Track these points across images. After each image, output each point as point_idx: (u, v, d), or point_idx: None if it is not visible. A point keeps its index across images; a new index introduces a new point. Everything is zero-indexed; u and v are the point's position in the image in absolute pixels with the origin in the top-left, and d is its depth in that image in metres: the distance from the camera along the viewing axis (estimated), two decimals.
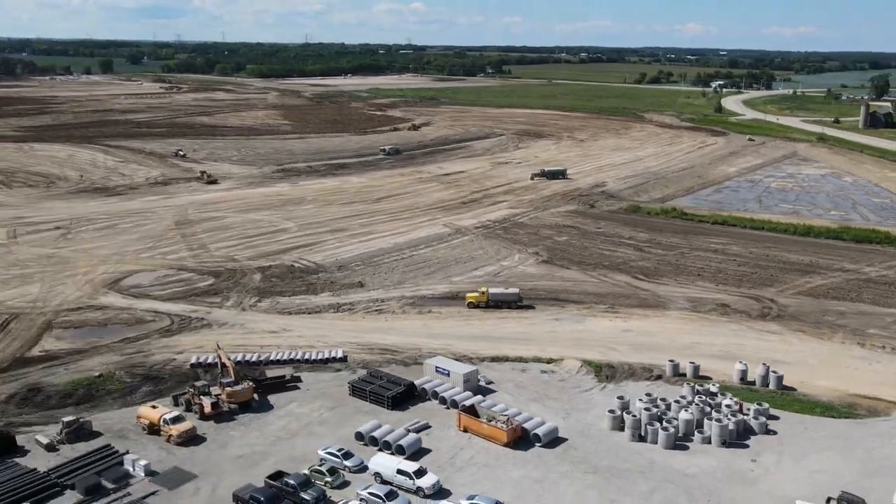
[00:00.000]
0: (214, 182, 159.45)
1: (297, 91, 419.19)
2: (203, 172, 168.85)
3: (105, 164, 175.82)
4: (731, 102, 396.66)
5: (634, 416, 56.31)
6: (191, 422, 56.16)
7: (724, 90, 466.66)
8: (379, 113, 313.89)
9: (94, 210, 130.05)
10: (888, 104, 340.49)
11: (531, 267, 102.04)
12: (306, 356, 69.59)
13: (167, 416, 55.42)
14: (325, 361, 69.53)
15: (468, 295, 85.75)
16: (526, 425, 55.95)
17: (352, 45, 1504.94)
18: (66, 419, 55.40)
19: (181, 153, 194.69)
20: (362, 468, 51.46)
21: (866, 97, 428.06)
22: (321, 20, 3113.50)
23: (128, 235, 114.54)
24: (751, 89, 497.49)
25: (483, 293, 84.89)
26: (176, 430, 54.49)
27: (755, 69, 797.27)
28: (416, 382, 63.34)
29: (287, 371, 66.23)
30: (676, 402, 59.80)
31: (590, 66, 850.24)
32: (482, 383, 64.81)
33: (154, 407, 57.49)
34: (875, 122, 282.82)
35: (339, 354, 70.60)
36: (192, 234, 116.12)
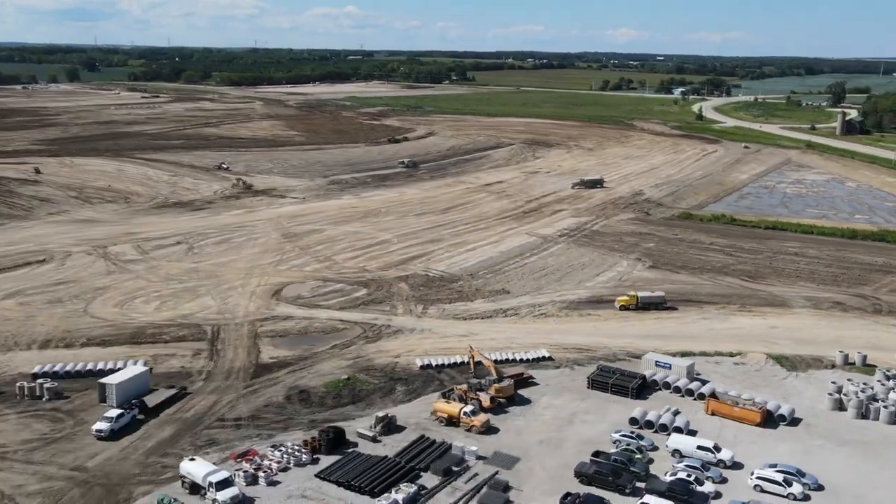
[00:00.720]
0: (250, 188, 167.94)
1: (279, 100, 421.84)
2: (239, 180, 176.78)
3: (160, 179, 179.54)
4: (705, 109, 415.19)
5: (854, 397, 66.61)
6: (485, 415, 64.45)
7: (689, 97, 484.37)
8: (376, 122, 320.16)
9: (195, 225, 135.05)
10: (854, 111, 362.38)
11: (643, 272, 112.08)
12: (517, 356, 78.11)
13: (466, 410, 63.62)
14: (536, 361, 78.14)
15: (619, 298, 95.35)
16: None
17: (299, 49, 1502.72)
18: (378, 415, 63.08)
19: (224, 166, 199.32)
20: (653, 447, 60.60)
21: (825, 104, 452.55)
22: (253, 23, 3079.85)
23: (249, 249, 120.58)
24: (712, 96, 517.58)
25: (633, 297, 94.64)
26: (478, 421, 62.76)
27: (701, 75, 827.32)
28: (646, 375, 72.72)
29: (519, 369, 74.65)
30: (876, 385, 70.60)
31: (543, 73, 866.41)
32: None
33: (447, 402, 65.51)
34: (850, 129, 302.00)
35: (545, 354, 79.39)
36: (307, 246, 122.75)
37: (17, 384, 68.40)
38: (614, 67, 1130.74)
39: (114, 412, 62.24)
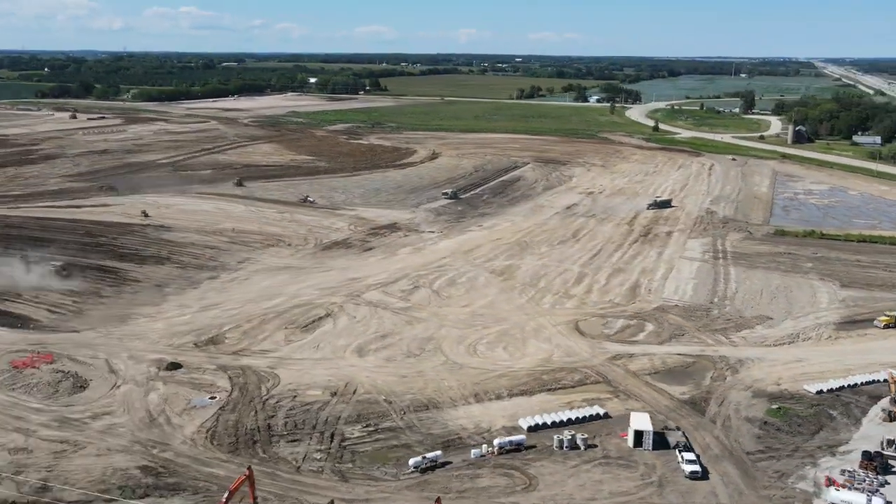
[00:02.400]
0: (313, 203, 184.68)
1: (228, 118, 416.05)
2: (306, 198, 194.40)
3: (271, 217, 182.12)
4: (639, 118, 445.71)
5: None
6: None
7: (617, 105, 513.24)
8: (364, 143, 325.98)
9: (396, 267, 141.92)
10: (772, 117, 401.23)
11: (849, 292, 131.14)
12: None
13: None
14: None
15: (881, 318, 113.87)
16: None
17: (163, 55, 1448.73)
18: (887, 437, 77.95)
19: (311, 200, 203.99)
20: None
21: (737, 110, 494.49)
22: (79, 24, 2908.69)
23: (486, 289, 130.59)
24: (625, 103, 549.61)
25: (892, 316, 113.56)
26: None
27: (566, 78, 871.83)
28: None
29: None
30: None
31: (435, 79, 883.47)
32: None
33: None
34: (799, 138, 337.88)
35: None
36: (529, 283, 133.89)
37: (556, 437, 77.79)
38: (492, 72, 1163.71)
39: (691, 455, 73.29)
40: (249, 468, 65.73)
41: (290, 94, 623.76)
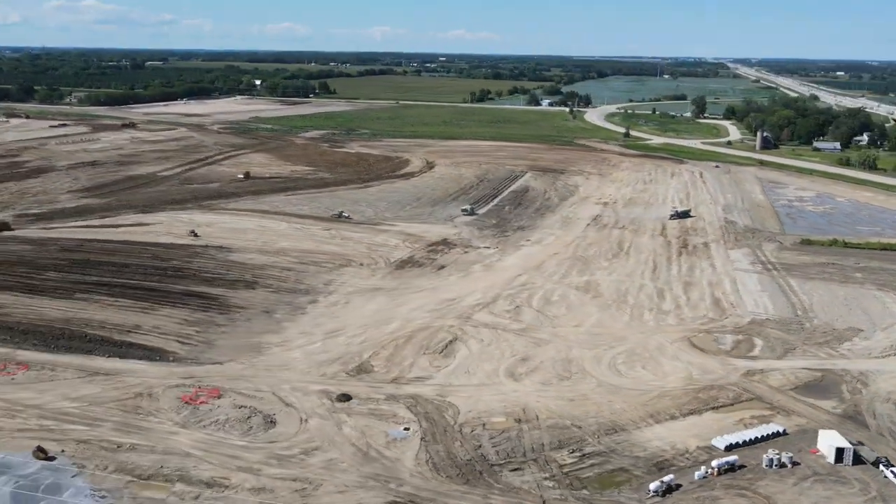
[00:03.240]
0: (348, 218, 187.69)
1: (195, 125, 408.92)
2: (340, 213, 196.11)
3: (318, 234, 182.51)
4: (600, 121, 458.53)
5: None
6: None
7: (576, 109, 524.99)
8: (351, 152, 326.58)
9: (481, 286, 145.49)
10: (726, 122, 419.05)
11: None
12: None
13: None
14: None
15: None
16: None
17: (72, 51, 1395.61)
18: None
19: (346, 215, 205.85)
20: None
21: (688, 114, 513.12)
22: None
23: (588, 307, 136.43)
24: (577, 107, 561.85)
25: None
26: None
27: (509, 80, 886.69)
28: None
29: None
30: None
31: (375, 80, 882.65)
32: None
33: None
34: (766, 144, 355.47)
35: None
36: (619, 300, 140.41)
37: (765, 456, 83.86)
38: (427, 73, 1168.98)
39: None
40: (545, 501, 69.36)
41: (238, 97, 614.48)
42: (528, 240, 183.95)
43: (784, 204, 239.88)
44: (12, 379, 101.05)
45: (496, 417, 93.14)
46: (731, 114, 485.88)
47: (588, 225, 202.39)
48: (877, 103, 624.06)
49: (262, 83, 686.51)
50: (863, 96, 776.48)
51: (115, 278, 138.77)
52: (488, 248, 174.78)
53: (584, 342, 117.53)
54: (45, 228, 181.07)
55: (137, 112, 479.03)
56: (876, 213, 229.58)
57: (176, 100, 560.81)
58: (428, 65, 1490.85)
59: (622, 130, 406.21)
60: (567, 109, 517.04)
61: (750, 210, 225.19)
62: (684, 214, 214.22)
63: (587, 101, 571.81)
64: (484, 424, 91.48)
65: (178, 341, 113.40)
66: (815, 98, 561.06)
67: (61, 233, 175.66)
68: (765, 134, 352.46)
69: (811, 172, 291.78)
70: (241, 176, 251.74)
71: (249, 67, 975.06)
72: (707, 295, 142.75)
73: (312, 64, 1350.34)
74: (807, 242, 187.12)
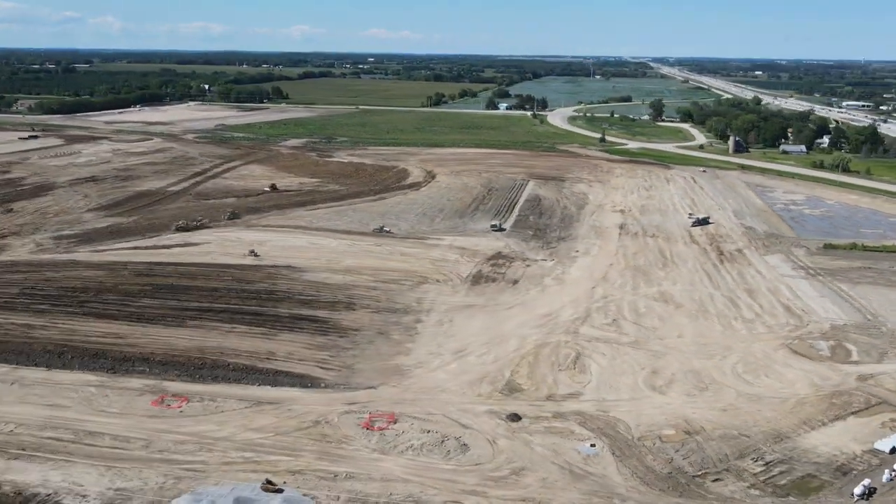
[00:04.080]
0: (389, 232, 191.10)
1: (167, 134, 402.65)
2: (381, 227, 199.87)
3: (371, 250, 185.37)
4: (565, 125, 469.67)
5: None
6: None
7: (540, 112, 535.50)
8: (345, 162, 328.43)
9: (560, 300, 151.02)
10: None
11: None
12: None
13: None
14: None
15: None
16: None
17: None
18: None
19: (386, 229, 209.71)
20: None
21: (646, 117, 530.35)
22: None
23: (679, 318, 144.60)
24: (532, 110, 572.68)
25: None
26: None
27: (449, 81, 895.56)
28: None
29: None
30: None
31: (318, 83, 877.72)
32: None
33: None
34: (739, 148, 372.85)
35: None
36: (706, 309, 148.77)
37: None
38: (365, 75, 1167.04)
39: None
40: None
41: (191, 103, 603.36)
42: (577, 251, 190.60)
43: (781, 208, 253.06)
44: (181, 412, 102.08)
45: (666, 430, 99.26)
46: (687, 117, 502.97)
47: (619, 234, 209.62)
48: (808, 103, 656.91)
49: (209, 88, 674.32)
50: (791, 96, 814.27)
51: (214, 303, 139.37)
52: (545, 259, 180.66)
53: (697, 353, 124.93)
54: (95, 251, 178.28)
55: (96, 121, 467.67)
56: (869, 215, 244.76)
57: (128, 107, 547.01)
58: (360, 66, 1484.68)
59: (592, 135, 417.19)
60: (528, 113, 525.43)
61: (758, 215, 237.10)
62: (704, 221, 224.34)
63: (544, 105, 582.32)
64: (660, 437, 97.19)
65: (319, 367, 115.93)
66: (759, 100, 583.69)
67: (117, 255, 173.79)
68: (737, 138, 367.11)
69: (793, 176, 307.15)
70: (268, 188, 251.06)
71: (187, 70, 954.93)
72: (775, 302, 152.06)
73: (244, 66, 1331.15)
74: (829, 247, 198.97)
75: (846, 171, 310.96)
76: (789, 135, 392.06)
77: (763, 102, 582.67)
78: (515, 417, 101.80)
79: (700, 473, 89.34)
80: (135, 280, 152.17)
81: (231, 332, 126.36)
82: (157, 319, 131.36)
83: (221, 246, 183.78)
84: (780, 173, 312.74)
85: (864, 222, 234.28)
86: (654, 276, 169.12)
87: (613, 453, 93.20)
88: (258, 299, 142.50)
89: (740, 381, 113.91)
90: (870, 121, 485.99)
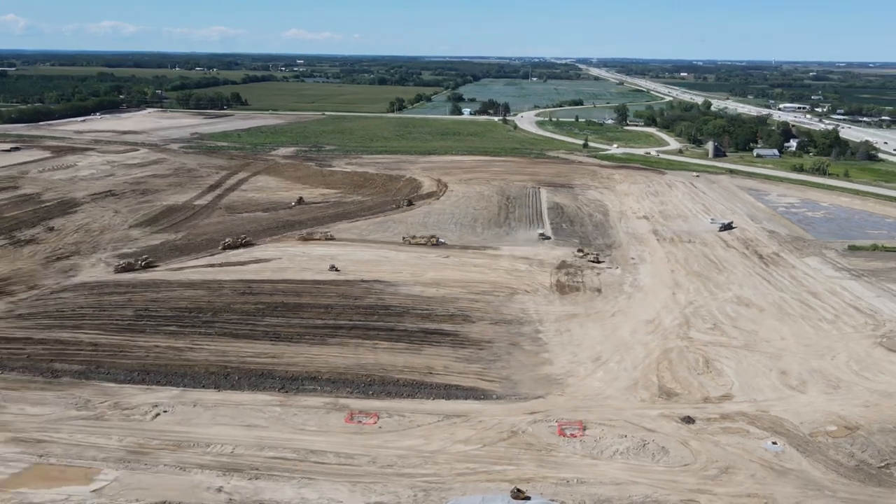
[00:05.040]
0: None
1: (147, 143, 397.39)
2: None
3: (441, 262, 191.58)
4: (538, 130, 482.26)
5: None
6: None
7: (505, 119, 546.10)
8: (349, 171, 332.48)
9: (653, 307, 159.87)
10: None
11: None
12: None
13: None
14: None
15: None
16: None
17: None
18: None
19: (441, 240, 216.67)
20: None
21: (610, 122, 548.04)
22: None
23: (769, 320, 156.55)
24: (497, 115, 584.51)
25: None
26: None
27: (397, 84, 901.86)
28: None
29: None
30: None
31: (268, 87, 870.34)
32: None
33: None
34: (717, 153, 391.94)
35: None
36: (785, 311, 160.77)
37: None
38: (304, 77, 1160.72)
39: None
40: None
41: (149, 110, 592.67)
42: (632, 258, 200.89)
43: (783, 211, 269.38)
44: (379, 427, 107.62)
45: (829, 427, 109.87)
46: (651, 121, 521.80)
47: (658, 241, 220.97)
48: (748, 105, 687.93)
49: (161, 93, 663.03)
50: (728, 98, 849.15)
51: (338, 320, 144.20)
52: (610, 267, 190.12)
53: (807, 353, 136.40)
54: (171, 270, 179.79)
55: (63, 130, 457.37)
56: (866, 217, 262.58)
57: (87, 114, 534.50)
58: (294, 69, 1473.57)
59: (570, 140, 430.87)
60: (496, 119, 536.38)
61: (770, 218, 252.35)
62: (729, 226, 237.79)
63: (506, 110, 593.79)
64: (828, 433, 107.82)
65: (480, 379, 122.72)
66: (709, 105, 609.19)
67: (197, 273, 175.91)
68: (716, 143, 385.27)
69: (780, 180, 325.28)
70: (296, 201, 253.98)
71: (125, 75, 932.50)
72: (842, 302, 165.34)
73: (176, 69, 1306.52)
74: (853, 248, 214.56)
75: (825, 174, 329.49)
76: (758, 139, 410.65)
77: (711, 107, 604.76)
78: (689, 420, 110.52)
79: (883, 464, 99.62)
80: (241, 298, 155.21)
81: (376, 348, 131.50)
82: (295, 338, 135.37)
83: (292, 261, 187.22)
84: (766, 177, 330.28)
85: (864, 224, 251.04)
86: (717, 280, 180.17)
87: (798, 450, 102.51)
88: (377, 315, 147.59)
89: (862, 378, 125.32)
90: (816, 123, 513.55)
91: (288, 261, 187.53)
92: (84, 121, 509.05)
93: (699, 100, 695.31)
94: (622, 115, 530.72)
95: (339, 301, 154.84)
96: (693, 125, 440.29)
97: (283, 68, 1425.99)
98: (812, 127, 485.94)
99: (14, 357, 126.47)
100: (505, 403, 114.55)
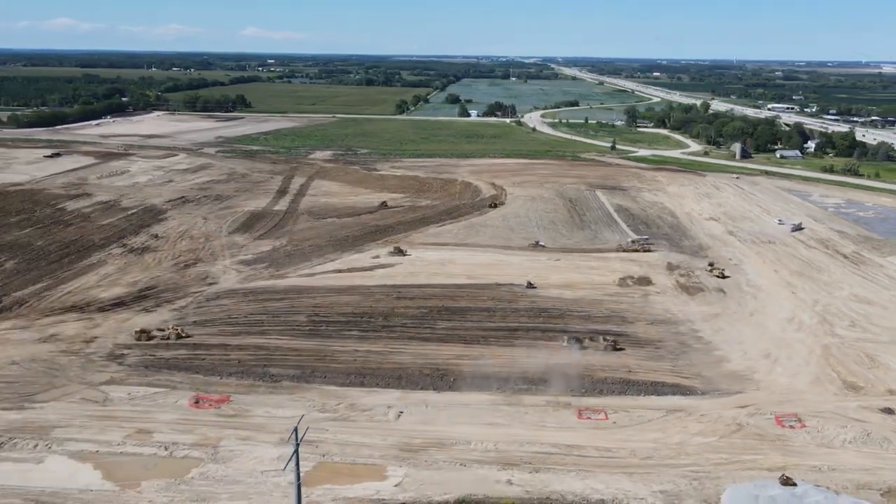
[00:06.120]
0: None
1: (181, 148, 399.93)
2: (537, 242, 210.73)
3: (561, 265, 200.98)
4: (553, 132, 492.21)
5: None
6: None
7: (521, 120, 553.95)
8: (399, 174, 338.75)
9: (789, 307, 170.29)
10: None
11: None
12: None
13: None
14: None
15: None
16: None
17: None
18: None
19: (541, 244, 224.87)
20: None
21: (620, 123, 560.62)
22: None
23: None
24: (505, 116, 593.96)
25: None
26: None
27: (385, 86, 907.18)
28: None
29: None
30: None
31: (253, 88, 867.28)
32: None
33: None
34: (744, 154, 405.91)
35: None
36: None
37: None
38: (286, 77, 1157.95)
39: None
40: None
41: (157, 113, 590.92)
42: (730, 259, 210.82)
43: (834, 211, 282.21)
44: (613, 423, 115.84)
45: None
46: (660, 123, 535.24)
47: (739, 242, 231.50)
48: (737, 105, 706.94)
49: (161, 95, 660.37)
50: (713, 99, 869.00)
51: (508, 322, 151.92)
52: (719, 268, 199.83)
53: None
54: (304, 277, 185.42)
55: (84, 133, 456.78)
56: None
57: (99, 118, 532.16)
58: (271, 69, 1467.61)
59: (592, 142, 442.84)
60: (507, 120, 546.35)
61: (829, 219, 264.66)
62: (799, 227, 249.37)
63: (513, 111, 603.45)
64: None
65: (677, 376, 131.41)
66: (707, 106, 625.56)
67: (335, 279, 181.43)
68: (743, 145, 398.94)
69: (818, 181, 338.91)
70: (378, 205, 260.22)
71: (111, 76, 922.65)
72: None
73: (152, 69, 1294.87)
74: None
75: (857, 174, 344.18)
76: (777, 141, 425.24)
77: (710, 109, 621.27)
78: (889, 411, 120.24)
79: None
80: (400, 303, 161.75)
81: (563, 348, 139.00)
82: (481, 340, 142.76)
83: (415, 265, 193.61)
84: (803, 178, 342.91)
85: None
86: (822, 279, 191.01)
87: None
88: (541, 317, 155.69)
89: None
90: (832, 124, 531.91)
91: (410, 265, 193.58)
92: (98, 124, 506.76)
93: (692, 101, 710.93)
94: (632, 116, 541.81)
95: (495, 304, 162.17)
96: (710, 127, 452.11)
97: (261, 68, 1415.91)
98: (817, 128, 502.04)
99: (226, 363, 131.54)
100: (712, 399, 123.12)
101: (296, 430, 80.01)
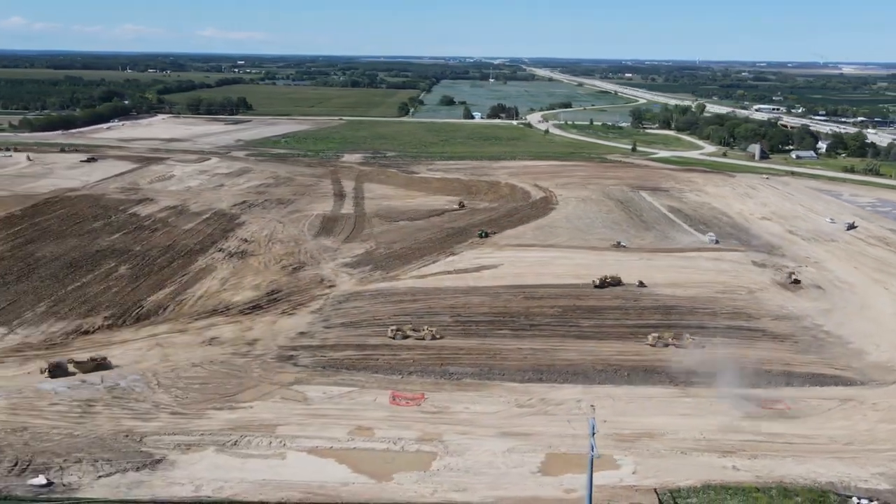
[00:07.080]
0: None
1: (209, 153, 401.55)
2: (618, 243, 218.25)
3: (652, 264, 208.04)
4: (565, 134, 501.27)
5: None
6: None
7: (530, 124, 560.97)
8: (439, 177, 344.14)
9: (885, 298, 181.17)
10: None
11: None
12: None
13: None
14: None
15: None
16: None
17: None
18: None
19: (623, 244, 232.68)
20: None
21: (625, 125, 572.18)
22: None
23: None
24: (510, 119, 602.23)
25: None
26: None
27: (370, 87, 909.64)
28: None
29: None
30: None
31: (240, 89, 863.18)
32: None
33: None
34: (763, 155, 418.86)
35: None
36: None
37: None
38: (268, 79, 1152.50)
39: None
40: None
41: (162, 116, 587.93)
42: (808, 256, 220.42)
43: (871, 210, 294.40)
44: (789, 411, 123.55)
45: None
46: (665, 124, 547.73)
47: (803, 240, 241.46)
48: (726, 107, 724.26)
49: (159, 98, 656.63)
50: (696, 100, 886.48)
51: (648, 321, 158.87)
52: (805, 266, 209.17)
53: None
54: (416, 279, 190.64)
55: (100, 137, 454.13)
56: None
57: (107, 121, 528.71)
58: (247, 70, 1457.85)
59: (609, 144, 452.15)
60: (513, 122, 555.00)
61: (872, 218, 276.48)
62: (853, 225, 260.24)
63: (515, 114, 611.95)
64: None
65: (830, 367, 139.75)
66: (703, 107, 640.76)
67: (451, 281, 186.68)
68: (761, 146, 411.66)
69: (843, 181, 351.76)
70: (457, 206, 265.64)
71: (94, 77, 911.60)
72: None
73: (127, 70, 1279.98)
74: None
75: (878, 174, 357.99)
76: (791, 142, 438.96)
77: (705, 110, 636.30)
78: None
79: None
80: (533, 303, 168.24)
81: (713, 343, 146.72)
82: (628, 336, 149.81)
83: (517, 266, 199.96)
84: (829, 178, 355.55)
85: None
86: None
87: None
88: (673, 314, 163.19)
89: None
90: (838, 125, 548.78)
91: (512, 266, 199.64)
92: (109, 128, 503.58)
93: (675, 101, 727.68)
94: (637, 118, 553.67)
95: (621, 303, 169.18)
96: (722, 128, 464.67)
97: (236, 70, 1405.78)
98: (821, 128, 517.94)
99: (401, 362, 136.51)
100: (873, 388, 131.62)
101: (593, 424, 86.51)
